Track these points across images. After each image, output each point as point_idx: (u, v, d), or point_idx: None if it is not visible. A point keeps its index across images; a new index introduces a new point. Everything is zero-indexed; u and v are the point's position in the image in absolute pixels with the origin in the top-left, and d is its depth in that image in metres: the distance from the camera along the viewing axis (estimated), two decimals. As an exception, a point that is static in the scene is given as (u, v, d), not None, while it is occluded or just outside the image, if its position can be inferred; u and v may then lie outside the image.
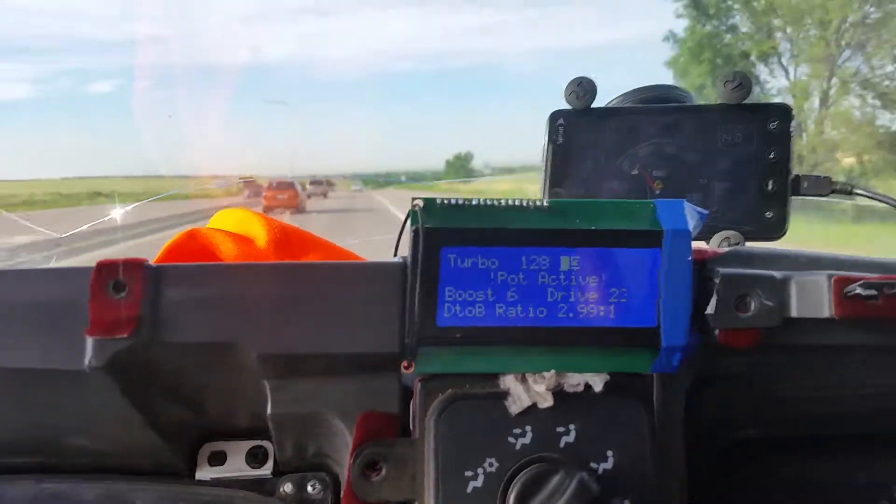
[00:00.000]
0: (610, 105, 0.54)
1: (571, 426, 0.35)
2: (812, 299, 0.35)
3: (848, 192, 0.53)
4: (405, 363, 0.34)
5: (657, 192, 0.51)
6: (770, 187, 0.50)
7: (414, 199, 0.33)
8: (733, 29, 12.61)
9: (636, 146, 0.51)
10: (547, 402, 0.35)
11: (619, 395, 0.36)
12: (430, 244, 0.33)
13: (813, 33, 11.77)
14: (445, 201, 0.33)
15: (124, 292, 0.33)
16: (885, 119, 11.42)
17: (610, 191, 0.52)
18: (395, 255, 0.45)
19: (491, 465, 0.34)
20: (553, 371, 0.35)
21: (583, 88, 0.51)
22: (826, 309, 0.34)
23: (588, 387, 0.35)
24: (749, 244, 0.50)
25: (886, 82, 11.15)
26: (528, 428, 0.35)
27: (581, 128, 0.52)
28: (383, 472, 0.36)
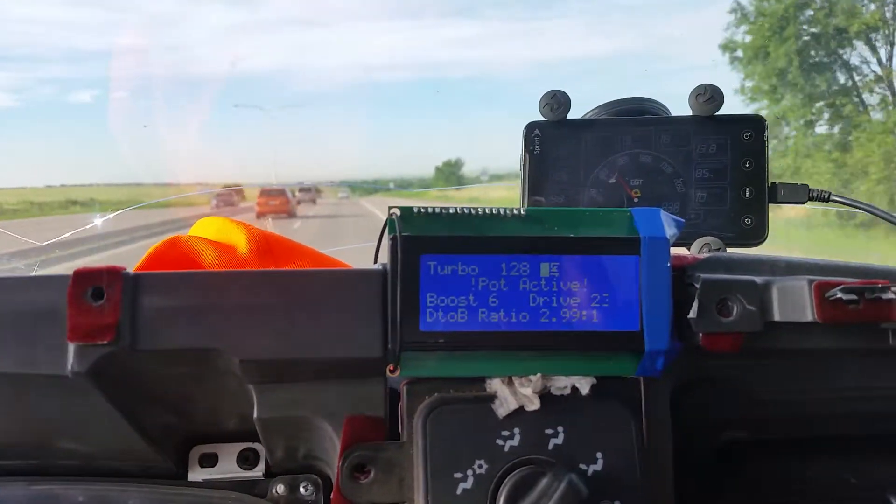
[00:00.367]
0: (585, 117, 0.55)
1: (559, 428, 0.35)
2: (794, 304, 0.35)
3: (825, 199, 0.54)
4: (390, 367, 0.35)
5: (635, 200, 0.52)
6: (747, 195, 0.51)
7: (391, 207, 0.34)
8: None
9: (612, 156, 0.52)
10: (534, 404, 0.35)
11: (606, 398, 0.36)
12: (408, 252, 0.33)
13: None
14: (423, 210, 0.34)
15: (103, 299, 0.33)
16: None
17: (589, 199, 0.52)
18: (376, 262, 0.46)
19: (480, 466, 0.34)
20: (539, 374, 0.35)
21: (557, 101, 0.52)
22: (808, 313, 0.34)
23: (575, 389, 0.35)
24: (729, 250, 0.50)
25: None
26: (516, 430, 0.35)
27: (556, 139, 0.53)
28: (372, 474, 0.36)
